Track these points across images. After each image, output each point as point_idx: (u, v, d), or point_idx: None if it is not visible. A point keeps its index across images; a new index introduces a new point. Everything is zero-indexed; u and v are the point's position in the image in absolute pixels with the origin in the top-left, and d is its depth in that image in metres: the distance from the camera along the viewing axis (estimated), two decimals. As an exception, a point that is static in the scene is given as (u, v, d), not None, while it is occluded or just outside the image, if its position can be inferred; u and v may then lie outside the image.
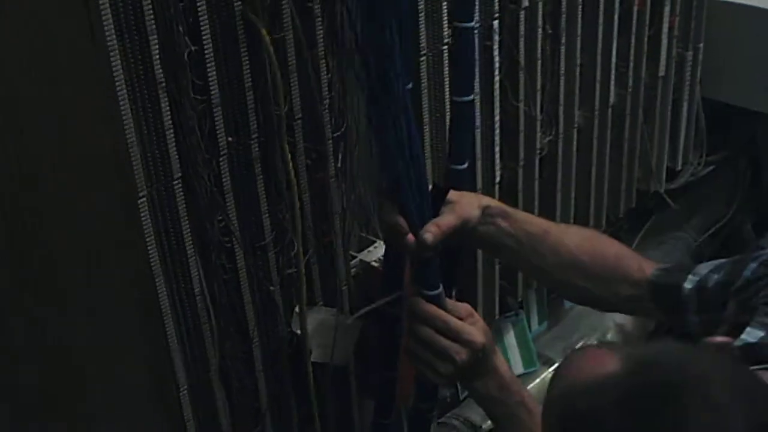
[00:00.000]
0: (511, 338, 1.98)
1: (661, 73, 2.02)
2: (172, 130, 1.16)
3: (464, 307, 1.24)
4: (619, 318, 2.16)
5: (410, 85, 1.18)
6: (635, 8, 1.88)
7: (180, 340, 1.27)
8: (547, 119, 1.79)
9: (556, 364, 2.04)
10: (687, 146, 2.20)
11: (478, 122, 1.61)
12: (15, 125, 1.02)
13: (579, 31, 1.77)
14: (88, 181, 1.10)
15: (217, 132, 1.21)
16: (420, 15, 1.43)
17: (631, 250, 1.33)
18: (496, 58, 1.61)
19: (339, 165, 1.37)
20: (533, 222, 1.30)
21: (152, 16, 1.09)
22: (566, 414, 0.86)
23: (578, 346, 2.08)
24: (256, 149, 1.26)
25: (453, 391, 1.91)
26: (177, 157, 1.17)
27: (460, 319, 1.22)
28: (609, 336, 2.11)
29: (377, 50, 1.11)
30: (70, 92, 1.05)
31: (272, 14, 1.21)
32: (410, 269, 1.29)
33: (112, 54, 1.06)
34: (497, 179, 1.72)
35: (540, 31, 1.67)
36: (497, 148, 1.68)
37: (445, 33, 1.47)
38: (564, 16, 1.73)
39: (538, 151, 1.78)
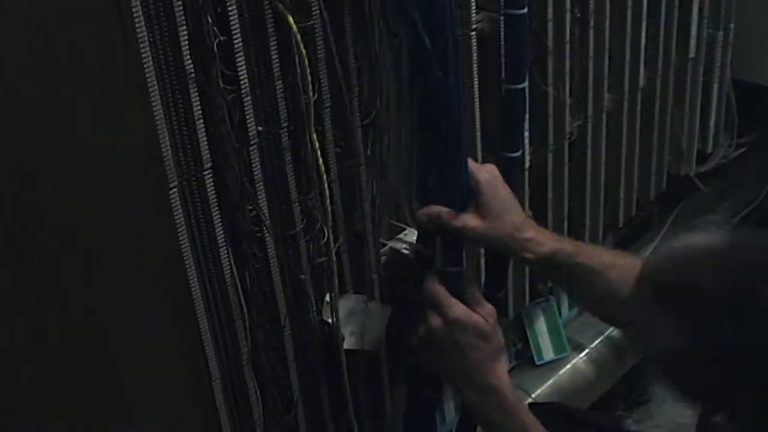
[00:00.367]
0: (541, 324, 1.98)
1: (691, 55, 2.00)
2: (201, 121, 1.16)
3: (488, 306, 1.26)
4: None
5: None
6: (664, -11, 1.87)
7: (212, 330, 1.28)
8: (575, 103, 1.78)
9: (586, 350, 2.04)
10: (717, 129, 2.18)
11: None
12: (49, 118, 1.02)
13: (608, 14, 1.75)
14: (119, 172, 1.10)
15: (247, 122, 1.21)
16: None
17: None
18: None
19: (368, 153, 1.36)
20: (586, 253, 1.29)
21: (181, 7, 1.09)
22: (665, 279, 0.89)
23: (608, 332, 2.07)
24: (286, 138, 1.26)
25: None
26: (207, 147, 1.17)
27: (474, 304, 1.24)
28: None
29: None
30: (101, 84, 1.05)
31: (300, 2, 1.20)
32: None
33: (141, 45, 1.06)
34: (527, 165, 1.71)
35: (568, 14, 1.66)
36: (526, 134, 1.67)
37: (473, 18, 1.46)
38: (592, -1, 1.71)
39: (567, 136, 1.77)
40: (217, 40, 1.14)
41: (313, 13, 1.22)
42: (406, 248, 1.45)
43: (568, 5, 1.65)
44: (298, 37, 1.18)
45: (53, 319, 1.11)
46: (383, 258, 1.47)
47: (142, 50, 1.07)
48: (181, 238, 1.19)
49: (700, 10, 1.97)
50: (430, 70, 1.19)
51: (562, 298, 2.03)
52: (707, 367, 0.94)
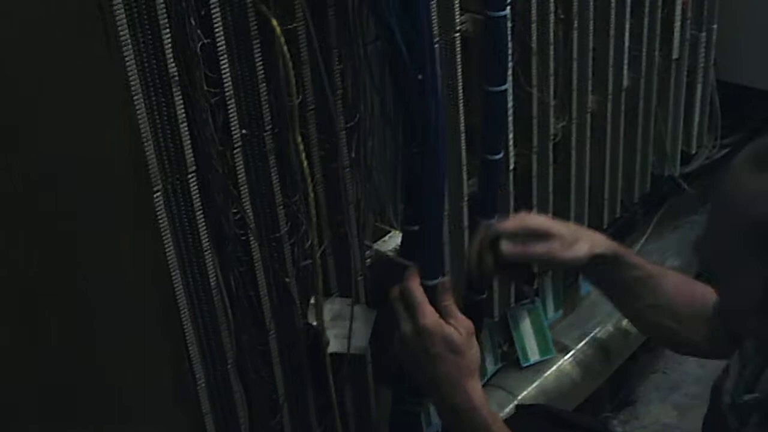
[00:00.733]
0: (526, 326, 1.98)
1: (675, 56, 2.01)
2: (185, 124, 1.15)
3: (463, 320, 1.26)
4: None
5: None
6: (648, -9, 1.87)
7: (197, 333, 1.27)
8: (560, 105, 1.78)
9: (572, 352, 2.04)
10: (701, 129, 2.19)
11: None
12: (30, 124, 1.02)
13: (591, 15, 1.76)
14: (104, 177, 1.10)
15: (231, 125, 1.21)
16: (432, 2, 1.42)
17: None
18: (509, 45, 1.59)
19: (353, 155, 1.36)
20: (640, 267, 1.35)
21: (164, 10, 1.08)
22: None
23: (594, 333, 2.08)
24: (270, 141, 1.25)
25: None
26: (191, 150, 1.17)
27: (447, 315, 1.25)
28: (624, 323, 2.10)
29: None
30: (84, 88, 1.05)
31: (284, 6, 1.20)
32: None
33: (125, 48, 1.06)
34: (512, 166, 1.71)
35: (552, 16, 1.66)
36: (511, 135, 1.67)
37: (457, 20, 1.46)
38: (576, 0, 1.71)
39: (551, 137, 1.77)
40: (200, 43, 1.14)
41: (297, 15, 1.21)
42: (390, 251, 1.45)
43: (551, 7, 1.65)
44: (282, 39, 1.18)
45: (39, 324, 1.10)
46: (368, 261, 1.46)
47: (126, 53, 1.06)
48: (165, 241, 1.18)
49: (683, 11, 1.98)
50: (408, 74, 1.19)
51: (547, 300, 2.03)
52: None
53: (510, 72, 1.61)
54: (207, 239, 1.23)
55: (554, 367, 2.01)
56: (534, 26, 1.63)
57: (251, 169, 1.26)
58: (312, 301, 1.39)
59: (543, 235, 1.29)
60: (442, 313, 1.26)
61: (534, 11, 1.62)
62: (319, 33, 1.24)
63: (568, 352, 2.04)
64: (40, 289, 1.09)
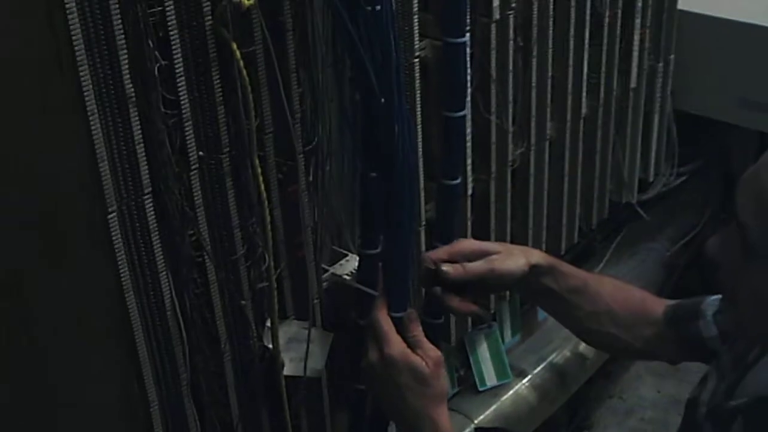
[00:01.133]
0: (484, 350, 1.98)
1: (633, 85, 2.03)
2: (142, 145, 1.15)
3: (432, 351, 1.28)
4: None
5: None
6: (606, 21, 1.89)
7: (150, 354, 1.26)
8: (519, 131, 1.80)
9: (529, 376, 2.05)
10: (659, 157, 2.21)
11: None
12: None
13: (550, 44, 1.77)
14: (58, 198, 1.09)
15: (188, 146, 1.21)
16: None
17: (657, 297, 1.44)
18: (468, 71, 1.61)
19: (310, 179, 1.36)
20: (576, 275, 1.40)
21: (122, 31, 1.08)
22: None
23: (551, 358, 2.09)
24: (227, 163, 1.26)
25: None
26: (147, 172, 1.17)
27: (415, 346, 1.27)
28: (581, 348, 2.11)
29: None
30: (38, 108, 1.04)
31: (242, 28, 1.20)
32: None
33: (81, 68, 1.05)
34: (470, 191, 1.72)
35: (511, 43, 1.68)
36: (469, 161, 1.68)
37: (416, 46, 1.47)
38: (535, 28, 1.73)
39: (510, 163, 1.78)
40: (158, 65, 1.14)
41: (256, 38, 1.22)
42: (347, 275, 1.46)
43: (511, 34, 1.67)
44: (241, 62, 1.18)
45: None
46: (325, 284, 1.46)
47: (82, 73, 1.06)
48: (120, 262, 1.18)
49: (641, 41, 2.00)
50: (374, 97, 1.20)
51: (505, 325, 2.04)
52: None
53: (469, 98, 1.63)
54: (162, 261, 1.23)
55: (511, 392, 2.02)
56: (493, 53, 1.65)
57: (208, 191, 1.25)
58: (267, 323, 1.39)
59: (479, 256, 1.34)
60: (410, 344, 1.27)
61: (493, 38, 1.63)
62: (278, 55, 1.24)
63: (525, 377, 2.05)
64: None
